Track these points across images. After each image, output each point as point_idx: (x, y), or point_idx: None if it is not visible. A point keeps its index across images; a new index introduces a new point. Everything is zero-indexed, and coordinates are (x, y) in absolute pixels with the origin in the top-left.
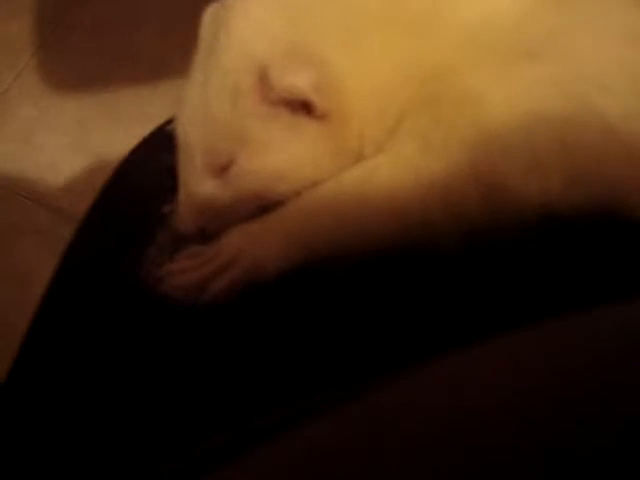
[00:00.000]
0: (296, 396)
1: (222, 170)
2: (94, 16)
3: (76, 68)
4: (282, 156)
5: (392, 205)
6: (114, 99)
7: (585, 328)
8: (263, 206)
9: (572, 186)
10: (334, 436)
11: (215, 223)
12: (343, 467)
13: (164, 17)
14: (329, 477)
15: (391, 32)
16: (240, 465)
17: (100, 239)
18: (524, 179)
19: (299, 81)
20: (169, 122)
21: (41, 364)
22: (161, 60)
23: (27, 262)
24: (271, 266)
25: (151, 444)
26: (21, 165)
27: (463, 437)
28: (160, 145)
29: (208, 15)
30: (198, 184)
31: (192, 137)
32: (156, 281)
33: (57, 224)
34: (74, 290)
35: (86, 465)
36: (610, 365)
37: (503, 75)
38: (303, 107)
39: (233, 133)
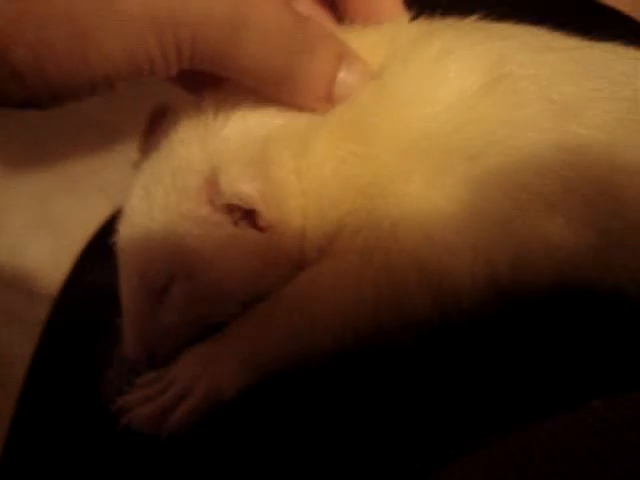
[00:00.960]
0: None
1: (162, 293)
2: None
3: (25, 146)
4: (222, 269)
5: (340, 316)
6: (69, 170)
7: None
8: (210, 325)
9: (520, 269)
10: None
11: (162, 346)
12: None
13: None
14: None
15: (338, 135)
16: None
17: (60, 352)
18: (471, 274)
19: (247, 190)
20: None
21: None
22: (111, 126)
23: (5, 346)
24: (227, 390)
25: None
26: None
27: None
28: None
29: (153, 113)
30: (139, 308)
31: (129, 255)
32: (117, 412)
33: (25, 304)
34: (46, 397)
35: None
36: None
37: (443, 179)
38: (246, 217)
39: (171, 247)
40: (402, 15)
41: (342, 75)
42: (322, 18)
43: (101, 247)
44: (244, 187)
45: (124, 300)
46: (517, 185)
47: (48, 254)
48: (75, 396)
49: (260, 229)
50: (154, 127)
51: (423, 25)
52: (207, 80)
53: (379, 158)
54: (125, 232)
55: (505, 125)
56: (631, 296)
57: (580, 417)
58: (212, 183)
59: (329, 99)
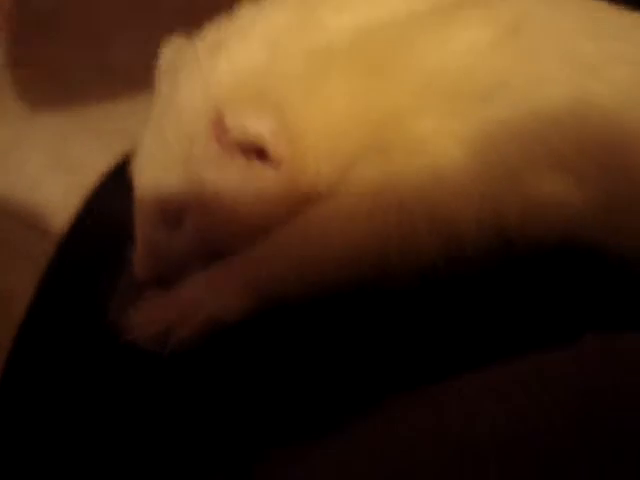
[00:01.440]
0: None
1: (175, 219)
2: (69, 31)
3: (52, 84)
4: (236, 203)
5: (348, 252)
6: (92, 115)
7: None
8: (219, 253)
9: (527, 221)
10: None
11: (171, 271)
12: None
13: (140, 31)
14: None
15: (351, 73)
16: None
17: (71, 274)
18: (478, 220)
19: (254, 126)
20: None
21: (19, 397)
22: (139, 74)
23: (8, 280)
24: (230, 315)
25: None
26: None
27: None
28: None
29: (167, 52)
30: (153, 232)
31: (146, 184)
32: (121, 330)
33: (37, 242)
34: (48, 324)
35: None
36: (585, 400)
37: (455, 120)
38: (257, 153)
39: (186, 177)
40: None
41: None
42: None
43: (114, 183)
44: (251, 124)
45: (138, 227)
46: (529, 137)
47: (62, 194)
48: (79, 319)
49: (272, 165)
50: (167, 67)
51: None
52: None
53: (393, 95)
54: (141, 165)
55: (519, 75)
56: (632, 262)
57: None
58: (219, 123)
59: None
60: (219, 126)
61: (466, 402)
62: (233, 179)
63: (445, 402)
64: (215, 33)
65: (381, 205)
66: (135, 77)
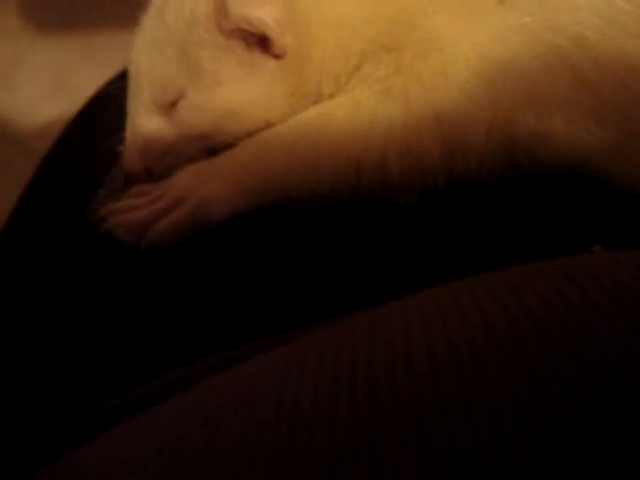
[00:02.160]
0: (236, 340)
1: (170, 106)
2: None
3: (57, 8)
4: (233, 93)
5: (348, 150)
6: (95, 41)
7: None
8: (212, 147)
9: (537, 141)
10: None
11: (162, 163)
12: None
13: None
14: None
15: None
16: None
17: (58, 177)
18: (487, 130)
19: (257, 13)
20: None
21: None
22: (143, 2)
23: (2, 205)
24: (218, 208)
25: (82, 385)
26: None
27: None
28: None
29: None
30: (145, 120)
31: (142, 67)
32: (101, 219)
33: (31, 164)
34: (28, 227)
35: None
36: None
37: (472, 21)
38: (260, 42)
39: (184, 63)
40: None
41: None
42: None
43: (108, 95)
44: (253, 11)
45: (129, 116)
46: (548, 47)
47: (59, 120)
48: (63, 215)
49: (274, 56)
50: None
51: None
52: None
53: None
54: (140, 45)
55: None
56: None
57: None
58: (220, 7)
59: None
60: (220, 10)
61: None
62: (232, 68)
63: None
64: None
65: (387, 104)
66: (139, 7)
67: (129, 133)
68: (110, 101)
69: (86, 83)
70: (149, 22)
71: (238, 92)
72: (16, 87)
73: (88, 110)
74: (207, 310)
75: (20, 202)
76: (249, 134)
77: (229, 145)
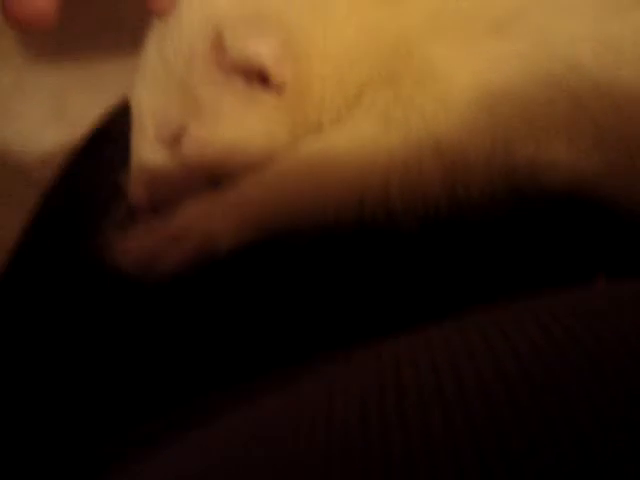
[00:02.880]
0: (244, 374)
1: (173, 140)
2: None
3: (57, 35)
4: (235, 127)
5: (350, 180)
6: (95, 68)
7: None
8: (216, 180)
9: (538, 166)
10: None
11: (167, 196)
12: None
13: None
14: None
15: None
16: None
17: (62, 209)
18: (488, 157)
19: (254, 48)
20: None
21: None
22: (142, 28)
23: (3, 229)
24: (223, 241)
25: (89, 421)
26: None
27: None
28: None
29: None
30: (149, 154)
31: (145, 102)
32: (108, 252)
33: (33, 192)
34: (35, 260)
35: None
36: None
37: (469, 49)
38: (259, 77)
39: (185, 99)
40: None
41: None
42: None
43: (110, 128)
44: (251, 46)
45: (134, 148)
46: (546, 75)
47: (60, 147)
48: (68, 247)
49: (274, 90)
50: None
51: None
52: None
53: (404, 21)
54: (141, 81)
55: (538, 6)
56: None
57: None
58: (218, 44)
59: None
60: (218, 47)
61: (466, 338)
62: (232, 103)
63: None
64: None
65: (387, 133)
66: (140, 32)
67: (134, 167)
68: (113, 132)
69: (86, 110)
70: (149, 57)
71: (239, 126)
72: (15, 115)
73: (91, 140)
74: (215, 339)
75: (24, 233)
76: (252, 165)
77: (233, 177)
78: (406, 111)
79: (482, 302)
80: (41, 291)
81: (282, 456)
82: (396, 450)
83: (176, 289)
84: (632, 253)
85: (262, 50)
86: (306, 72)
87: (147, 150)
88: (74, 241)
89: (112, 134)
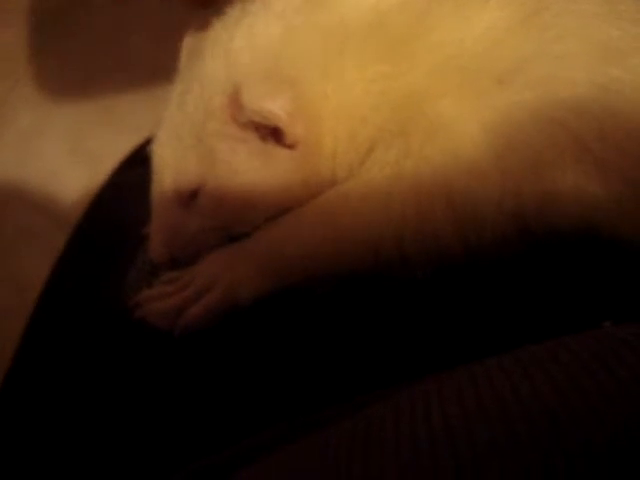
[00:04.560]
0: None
1: (191, 196)
2: (90, 23)
3: (73, 75)
4: (250, 183)
5: (365, 233)
6: (111, 105)
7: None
8: (234, 232)
9: (546, 208)
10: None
11: (186, 251)
12: None
13: (159, 22)
14: None
15: (367, 57)
16: None
17: (86, 258)
18: (498, 203)
19: (269, 106)
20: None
21: (32, 380)
22: (157, 65)
23: (25, 269)
24: (245, 292)
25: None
26: (19, 173)
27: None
28: (145, 164)
29: (187, 43)
30: (167, 211)
31: (164, 160)
32: (134, 306)
33: (55, 231)
34: (61, 311)
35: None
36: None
37: (476, 102)
38: (273, 133)
39: (202, 152)
40: None
41: None
42: None
43: (128, 173)
44: (266, 104)
45: (154, 203)
46: (550, 121)
47: (80, 184)
48: (94, 299)
49: (287, 146)
50: (190, 48)
51: None
52: None
53: (411, 76)
54: (162, 136)
55: (539, 59)
56: None
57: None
58: (235, 100)
59: None
60: (235, 103)
61: (483, 384)
62: (247, 158)
63: (463, 387)
64: (234, 12)
65: (399, 187)
66: (155, 70)
67: (153, 224)
68: (135, 178)
69: (106, 147)
70: (171, 112)
71: (254, 182)
72: (36, 154)
73: (115, 186)
74: (240, 389)
75: (51, 279)
76: (269, 220)
77: (250, 231)
78: (416, 164)
79: (495, 344)
80: (68, 341)
81: None
82: None
83: (197, 340)
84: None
85: (276, 109)
86: (318, 129)
87: (165, 207)
88: (100, 290)
89: (135, 180)
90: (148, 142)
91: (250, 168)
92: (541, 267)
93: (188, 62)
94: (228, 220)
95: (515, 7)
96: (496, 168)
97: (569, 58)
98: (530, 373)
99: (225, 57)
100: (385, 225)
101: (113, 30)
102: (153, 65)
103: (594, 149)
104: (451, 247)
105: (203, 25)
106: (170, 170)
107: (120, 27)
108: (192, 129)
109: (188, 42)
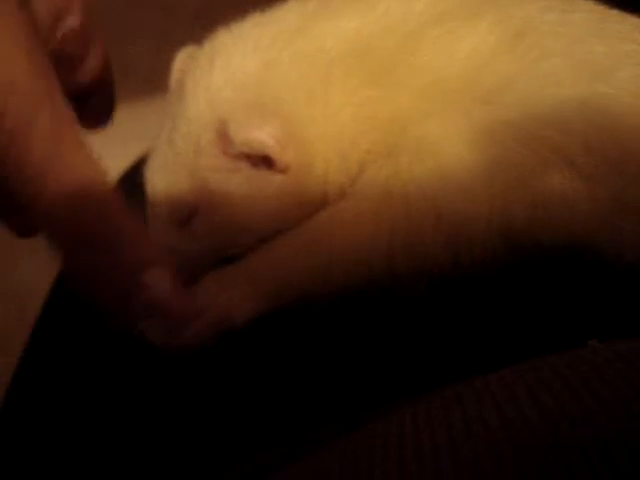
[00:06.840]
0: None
1: (186, 222)
2: None
3: None
4: (244, 210)
5: (356, 251)
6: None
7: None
8: (229, 255)
9: (536, 225)
10: None
11: (182, 274)
12: None
13: (158, 31)
14: None
15: (353, 82)
16: None
17: None
18: (487, 222)
19: (257, 136)
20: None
21: (37, 389)
22: (156, 74)
23: (26, 280)
24: (240, 313)
25: None
26: None
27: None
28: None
29: (179, 60)
30: (163, 236)
31: (157, 187)
32: (131, 324)
33: None
34: (64, 319)
35: None
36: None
37: (462, 122)
38: (264, 160)
39: (194, 185)
40: None
41: None
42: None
43: (128, 186)
44: (253, 134)
45: (149, 227)
46: (536, 138)
47: None
48: (91, 318)
49: (279, 172)
50: (177, 76)
51: None
52: None
53: (397, 100)
54: (153, 170)
55: (524, 78)
56: (630, 263)
57: (580, 352)
58: (223, 134)
59: None
60: (223, 138)
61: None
62: (240, 187)
63: (450, 407)
64: (213, 42)
65: (388, 207)
66: (153, 80)
67: None
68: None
69: (103, 157)
70: (161, 146)
71: (248, 209)
72: None
73: None
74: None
75: (54, 288)
76: (264, 242)
77: (245, 253)
78: (405, 184)
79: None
80: (73, 349)
81: None
82: None
83: (192, 362)
84: (624, 320)
85: (264, 137)
86: (309, 152)
87: (161, 232)
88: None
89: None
90: (139, 165)
91: (244, 195)
92: (529, 286)
93: (175, 88)
94: (223, 243)
95: (502, 29)
96: (484, 187)
97: (554, 76)
98: (516, 395)
99: (206, 95)
100: (375, 244)
101: (111, 37)
102: (151, 74)
103: (580, 162)
104: (441, 262)
105: (202, 37)
106: (164, 197)
107: (119, 37)
108: (183, 163)
109: (179, 60)
